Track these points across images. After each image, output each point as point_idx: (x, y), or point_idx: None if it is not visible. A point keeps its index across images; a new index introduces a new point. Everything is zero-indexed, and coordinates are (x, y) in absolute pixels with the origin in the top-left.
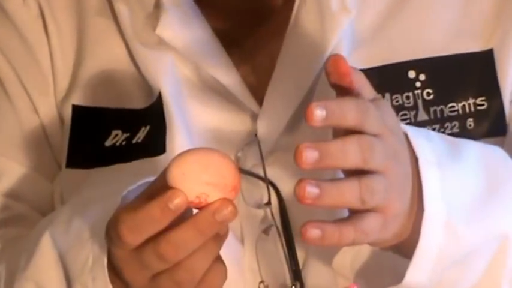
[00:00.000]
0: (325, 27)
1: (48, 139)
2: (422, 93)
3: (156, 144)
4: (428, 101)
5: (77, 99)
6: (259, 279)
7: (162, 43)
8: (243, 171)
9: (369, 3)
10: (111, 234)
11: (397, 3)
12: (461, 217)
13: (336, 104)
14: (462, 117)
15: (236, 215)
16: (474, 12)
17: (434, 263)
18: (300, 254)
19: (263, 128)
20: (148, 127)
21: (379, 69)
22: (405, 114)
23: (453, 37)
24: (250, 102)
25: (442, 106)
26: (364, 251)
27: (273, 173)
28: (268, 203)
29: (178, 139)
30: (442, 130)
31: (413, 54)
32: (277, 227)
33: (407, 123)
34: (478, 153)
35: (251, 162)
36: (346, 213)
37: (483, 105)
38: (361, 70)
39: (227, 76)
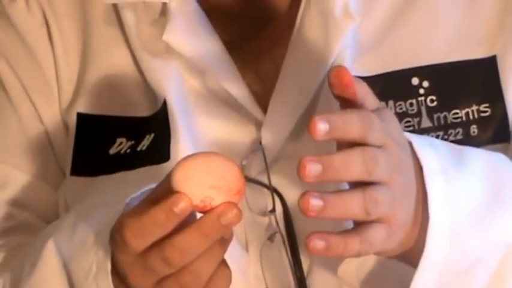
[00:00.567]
0: (329, 34)
1: (53, 147)
2: (425, 100)
3: (160, 151)
4: (432, 107)
5: (82, 107)
6: (264, 287)
7: (168, 51)
8: (247, 179)
9: (373, 10)
10: (115, 240)
11: (401, 10)
12: (466, 226)
13: (339, 118)
14: (466, 124)
15: (241, 219)
16: (477, 19)
17: (440, 272)
18: (305, 262)
19: (267, 135)
20: (152, 135)
21: (383, 76)
22: (409, 121)
23: (456, 44)
24: (254, 110)
25: (445, 113)
26: (369, 259)
27: (277, 181)
28: (273, 211)
29: (182, 146)
30: (446, 137)
31: (416, 61)
32: (281, 235)
33: (411, 130)
34: (483, 161)
35: (256, 170)
36: (351, 222)
37: (487, 111)
38: (365, 77)
39: (232, 84)
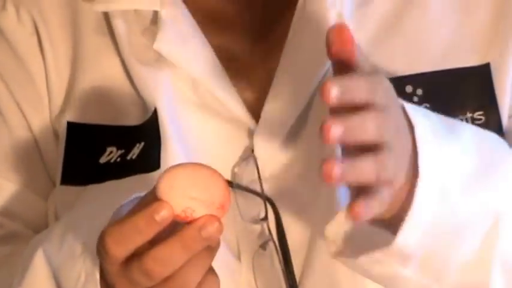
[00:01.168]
0: (323, 44)
1: (42, 156)
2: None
3: (150, 160)
4: None
5: (72, 116)
6: None
7: (158, 60)
8: (239, 187)
9: (367, 19)
10: (99, 249)
11: (394, 19)
12: (457, 187)
13: (350, 81)
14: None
15: (221, 232)
16: (471, 27)
17: (427, 226)
18: (297, 270)
19: (259, 143)
20: (142, 143)
21: None
22: None
23: (450, 52)
24: (246, 118)
25: None
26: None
27: (269, 189)
28: (265, 219)
29: (172, 155)
30: None
31: (410, 69)
32: (274, 242)
33: None
34: (474, 134)
35: (248, 178)
36: None
37: (481, 119)
38: None
39: (224, 92)
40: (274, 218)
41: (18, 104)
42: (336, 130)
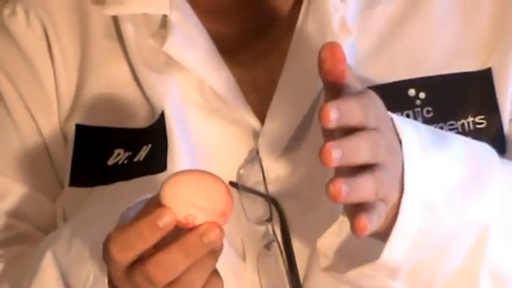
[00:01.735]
0: None
1: (51, 159)
2: (422, 111)
3: (157, 162)
4: (428, 119)
5: (80, 119)
6: None
7: (167, 63)
8: (244, 189)
9: (370, 23)
10: (104, 254)
11: (397, 23)
12: (441, 199)
13: (346, 104)
14: (461, 135)
15: (222, 238)
16: (473, 32)
17: (413, 240)
18: (301, 270)
19: (264, 145)
20: (149, 146)
21: (380, 87)
22: None
23: (452, 56)
24: (252, 120)
25: (441, 124)
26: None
27: (274, 190)
28: (270, 219)
29: (179, 157)
30: None
31: (413, 73)
32: (278, 243)
33: None
34: (463, 145)
35: (253, 179)
36: None
37: (482, 123)
38: None
39: (230, 94)
40: (278, 219)
41: (28, 108)
42: (336, 154)
